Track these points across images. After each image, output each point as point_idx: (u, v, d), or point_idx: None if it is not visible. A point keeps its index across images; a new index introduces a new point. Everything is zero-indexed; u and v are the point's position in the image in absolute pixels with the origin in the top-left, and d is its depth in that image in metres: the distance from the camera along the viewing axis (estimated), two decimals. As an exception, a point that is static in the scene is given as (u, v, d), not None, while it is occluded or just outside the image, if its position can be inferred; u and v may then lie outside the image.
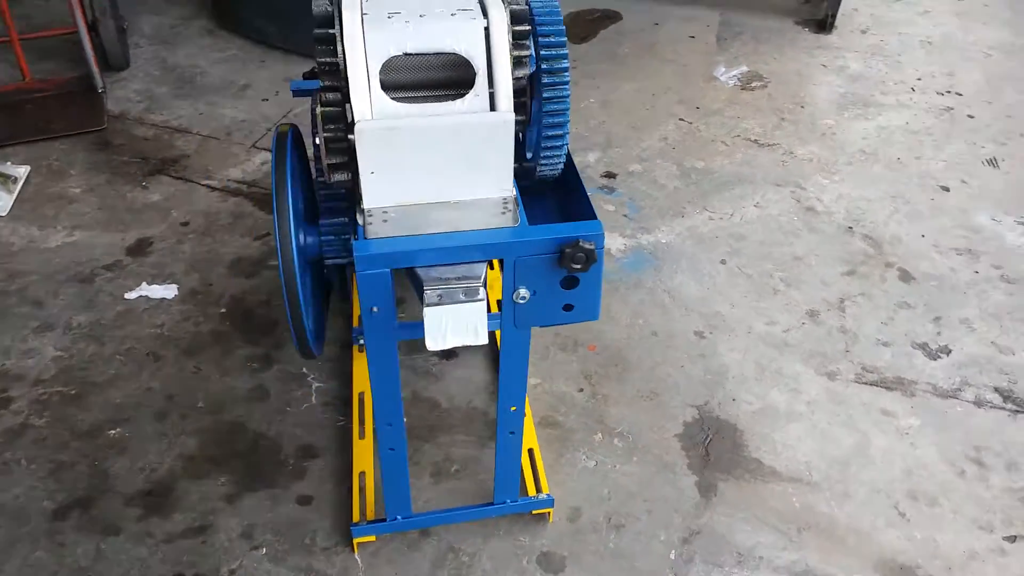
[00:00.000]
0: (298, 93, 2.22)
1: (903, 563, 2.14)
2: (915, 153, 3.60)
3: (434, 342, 1.59)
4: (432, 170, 1.66)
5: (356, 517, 2.13)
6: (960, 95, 3.99)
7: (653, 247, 3.08)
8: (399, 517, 2.10)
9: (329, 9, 1.63)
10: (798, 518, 2.23)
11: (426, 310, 1.57)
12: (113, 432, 2.39)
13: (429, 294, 1.57)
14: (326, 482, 2.28)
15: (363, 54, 1.57)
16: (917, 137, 3.71)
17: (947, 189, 3.38)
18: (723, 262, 3.02)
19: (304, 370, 2.58)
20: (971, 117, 3.83)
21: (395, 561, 2.10)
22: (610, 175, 3.45)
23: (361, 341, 2.58)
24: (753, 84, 4.05)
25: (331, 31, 1.59)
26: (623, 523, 2.21)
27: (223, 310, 2.79)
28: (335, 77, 1.63)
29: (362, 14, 1.59)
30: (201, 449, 2.36)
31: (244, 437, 2.39)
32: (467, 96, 1.62)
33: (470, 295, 1.59)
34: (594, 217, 1.70)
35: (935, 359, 2.67)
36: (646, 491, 2.28)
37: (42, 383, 2.52)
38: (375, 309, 1.64)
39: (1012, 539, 2.20)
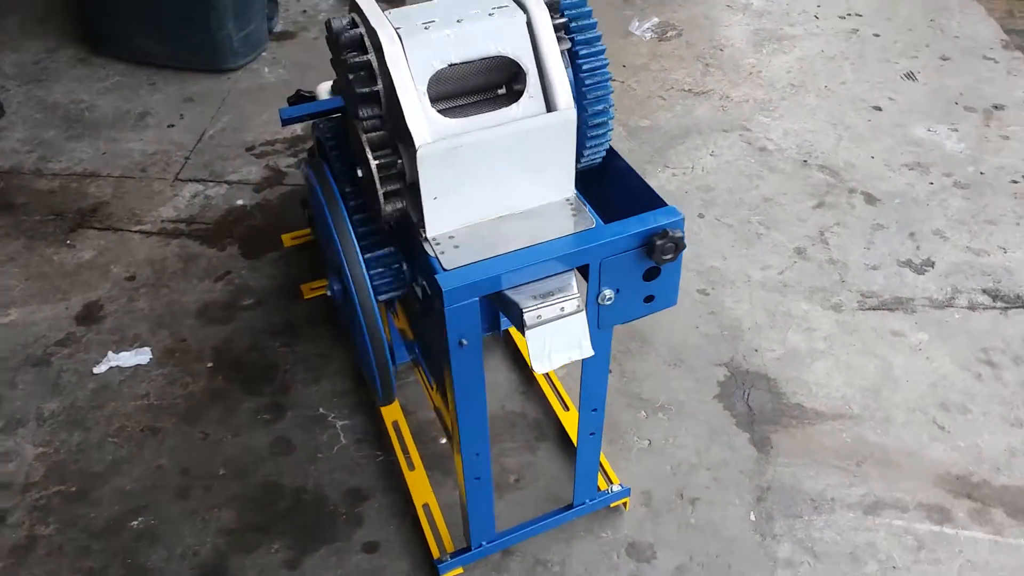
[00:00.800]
0: (288, 121, 2.03)
1: (957, 474, 2.24)
2: (839, 79, 3.73)
3: (540, 364, 1.50)
4: (494, 183, 1.56)
5: (436, 553, 2.03)
6: (860, 16, 4.16)
7: (628, 213, 3.06)
8: (484, 543, 2.01)
9: (353, 30, 1.48)
10: (853, 452, 2.29)
11: (528, 333, 1.48)
12: (136, 523, 2.16)
13: (529, 316, 1.48)
14: (388, 523, 2.15)
15: (409, 74, 1.44)
16: (835, 63, 3.84)
17: (879, 109, 3.53)
18: (700, 216, 3.04)
19: (321, 410, 2.42)
20: (877, 36, 4.00)
21: (490, 589, 2.02)
22: (562, 148, 3.39)
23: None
24: (668, 34, 4.07)
25: (364, 57, 1.45)
26: (696, 495, 2.20)
27: (209, 364, 2.56)
28: (374, 101, 1.49)
29: (395, 28, 1.45)
30: (240, 519, 2.17)
31: (282, 496, 2.22)
32: (522, 99, 1.52)
33: (569, 308, 1.50)
34: (663, 203, 1.64)
35: (922, 273, 2.80)
36: (706, 458, 2.29)
37: (34, 486, 2.25)
38: (464, 342, 1.53)
39: (1041, 428, 2.34)
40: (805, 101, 3.61)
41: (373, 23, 1.46)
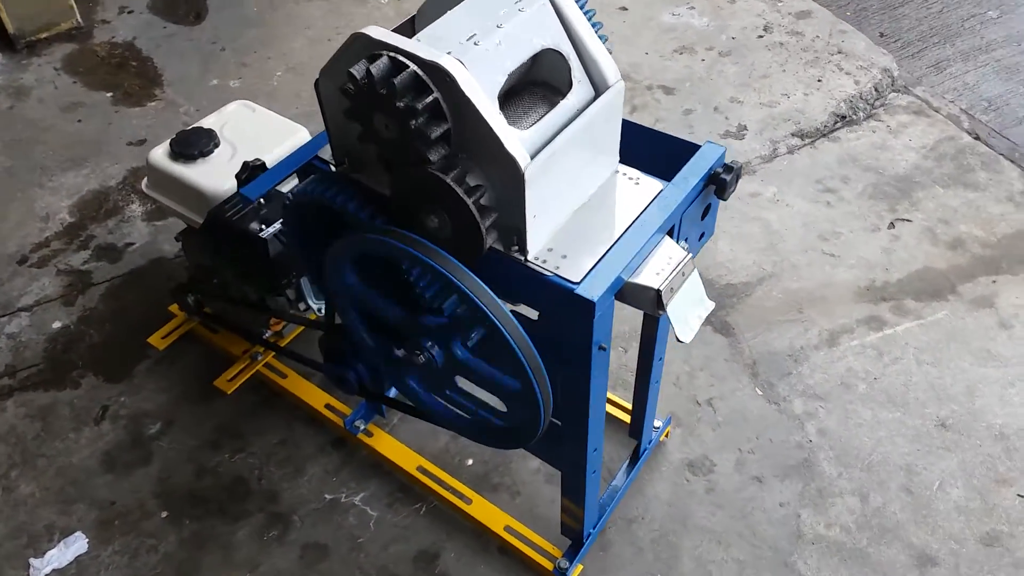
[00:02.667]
0: (266, 197, 1.70)
1: (865, 286, 2.66)
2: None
3: (687, 334, 1.51)
4: (569, 180, 1.51)
5: (550, 565, 1.97)
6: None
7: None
8: (591, 531, 2.00)
9: (402, 72, 1.29)
10: (790, 304, 2.61)
11: (669, 309, 1.48)
12: None
13: (665, 292, 1.47)
14: (475, 566, 2.03)
15: (484, 95, 1.32)
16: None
17: (625, 8, 3.81)
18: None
19: (328, 496, 2.16)
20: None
21: (616, 567, 2.02)
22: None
23: (361, 426, 2.23)
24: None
25: (431, 96, 1.29)
26: (708, 396, 2.37)
27: (164, 515, 2.14)
28: (445, 140, 1.34)
29: (448, 55, 1.31)
30: (330, 646, 1.91)
31: (355, 599, 1.99)
32: (573, 88, 1.47)
33: (688, 270, 1.52)
34: (694, 145, 1.68)
35: (742, 138, 3.16)
36: (694, 363, 2.45)
37: None
38: (604, 347, 1.49)
39: (891, 225, 2.84)
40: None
41: (424, 55, 1.28)
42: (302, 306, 2.26)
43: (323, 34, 3.69)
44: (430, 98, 1.29)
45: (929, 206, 2.90)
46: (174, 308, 2.53)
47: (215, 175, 2.17)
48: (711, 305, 1.57)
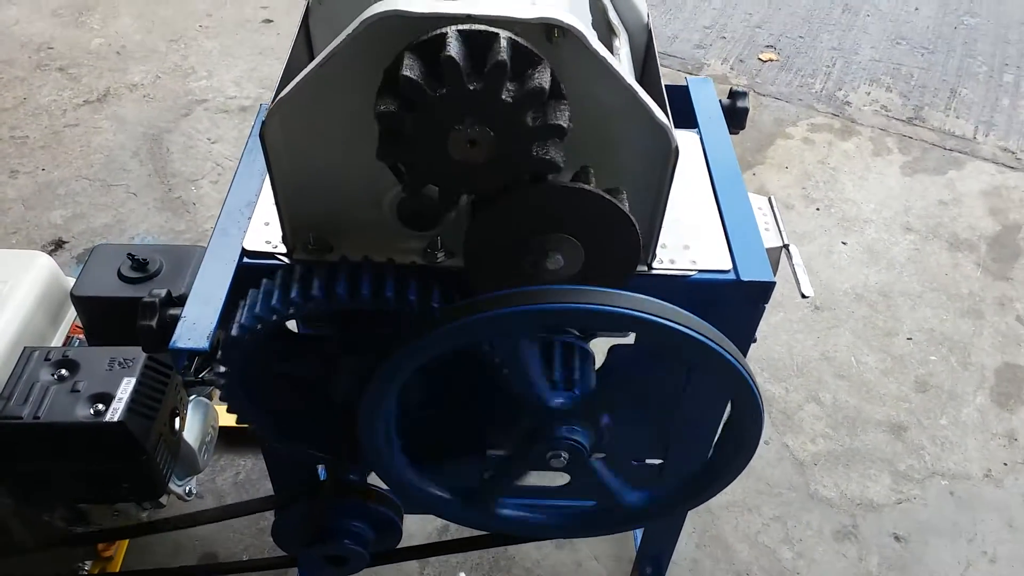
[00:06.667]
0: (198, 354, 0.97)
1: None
2: None
3: (809, 286, 1.27)
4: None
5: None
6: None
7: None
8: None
9: (459, 47, 0.84)
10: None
11: (797, 268, 1.23)
12: None
13: (793, 250, 1.22)
14: None
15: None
16: None
17: None
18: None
19: None
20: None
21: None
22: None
23: None
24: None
25: (546, 71, 0.87)
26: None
27: None
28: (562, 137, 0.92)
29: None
30: None
31: None
32: (618, 34, 1.11)
33: (778, 215, 1.28)
34: (686, 87, 1.41)
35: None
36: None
37: None
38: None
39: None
40: None
41: (518, 15, 0.83)
42: (164, 499, 1.51)
43: None
44: (545, 75, 0.84)
45: None
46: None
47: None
48: (795, 248, 1.35)
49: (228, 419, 1.24)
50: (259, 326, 1.00)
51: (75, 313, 1.53)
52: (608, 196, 0.92)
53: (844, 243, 2.63)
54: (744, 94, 1.36)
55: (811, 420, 2.11)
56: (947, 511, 1.94)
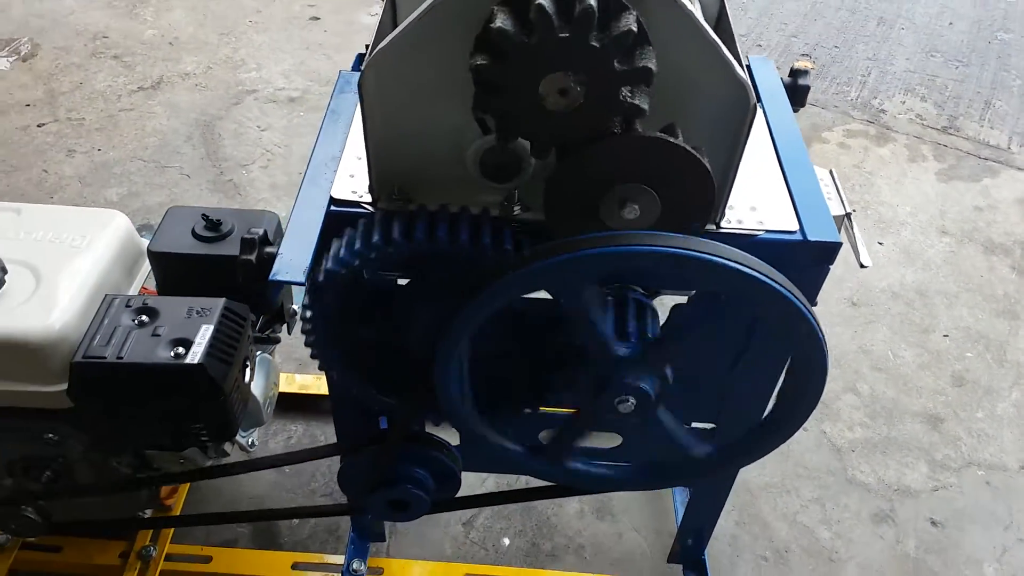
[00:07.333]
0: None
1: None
2: None
3: (867, 256, 1.31)
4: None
5: None
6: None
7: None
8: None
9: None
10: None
11: (856, 233, 1.27)
12: None
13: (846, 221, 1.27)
14: None
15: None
16: None
17: None
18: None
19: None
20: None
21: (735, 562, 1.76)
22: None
23: (362, 568, 1.63)
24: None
25: (633, 17, 0.92)
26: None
27: None
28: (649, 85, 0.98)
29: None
30: None
31: None
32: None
33: (839, 184, 1.33)
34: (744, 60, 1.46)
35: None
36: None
37: None
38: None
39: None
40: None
41: None
42: (227, 447, 1.57)
43: None
44: (631, 20, 0.90)
45: None
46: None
47: (34, 313, 1.38)
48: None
49: (284, 386, 1.28)
50: (343, 270, 1.06)
51: (147, 271, 1.60)
52: (693, 151, 0.98)
53: (880, 243, 2.67)
54: (806, 72, 1.41)
55: (849, 409, 2.15)
56: (983, 500, 1.97)
